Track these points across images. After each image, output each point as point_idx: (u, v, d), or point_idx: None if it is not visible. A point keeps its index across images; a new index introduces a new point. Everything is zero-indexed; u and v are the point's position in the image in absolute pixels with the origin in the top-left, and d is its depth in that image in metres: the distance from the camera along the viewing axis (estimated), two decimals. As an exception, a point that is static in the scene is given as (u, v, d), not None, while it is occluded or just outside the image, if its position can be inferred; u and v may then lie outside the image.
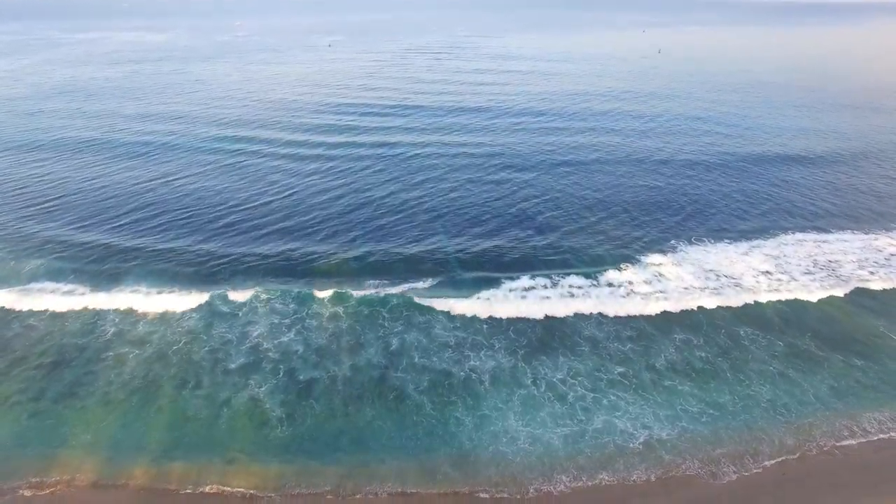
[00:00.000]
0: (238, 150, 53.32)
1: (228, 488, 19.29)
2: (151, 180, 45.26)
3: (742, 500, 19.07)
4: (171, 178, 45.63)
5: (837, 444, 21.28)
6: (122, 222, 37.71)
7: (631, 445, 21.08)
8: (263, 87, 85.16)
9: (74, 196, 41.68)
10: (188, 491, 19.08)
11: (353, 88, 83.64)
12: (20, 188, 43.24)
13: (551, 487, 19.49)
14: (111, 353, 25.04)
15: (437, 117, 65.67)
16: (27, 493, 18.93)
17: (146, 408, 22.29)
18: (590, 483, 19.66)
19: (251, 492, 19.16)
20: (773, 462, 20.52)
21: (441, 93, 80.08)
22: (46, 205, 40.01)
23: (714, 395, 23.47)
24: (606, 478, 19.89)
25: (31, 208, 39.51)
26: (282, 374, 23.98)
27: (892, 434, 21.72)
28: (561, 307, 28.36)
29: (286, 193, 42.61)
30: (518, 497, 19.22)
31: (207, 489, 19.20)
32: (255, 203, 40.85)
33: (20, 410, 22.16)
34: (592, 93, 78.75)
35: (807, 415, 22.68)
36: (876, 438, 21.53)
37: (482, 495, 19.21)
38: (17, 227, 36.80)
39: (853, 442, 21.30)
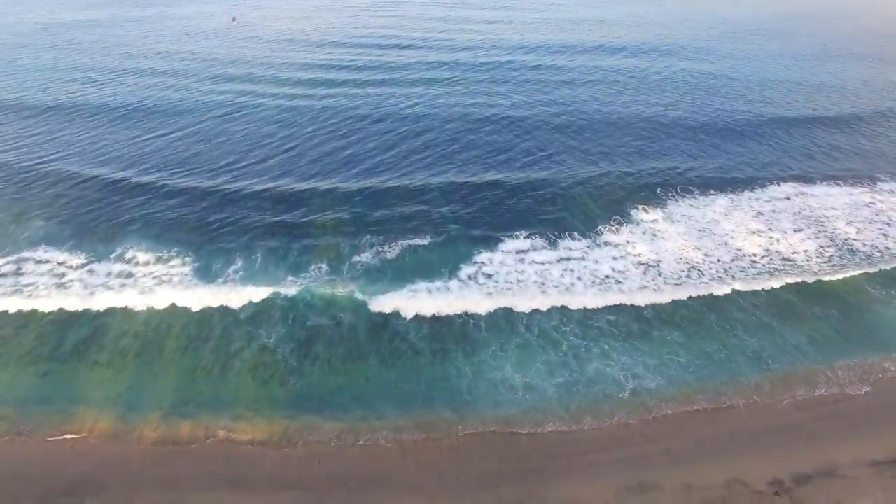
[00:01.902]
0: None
1: (236, 440, 20.59)
2: (148, 132, 44.82)
3: (718, 445, 20.31)
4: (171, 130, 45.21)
5: (812, 393, 22.47)
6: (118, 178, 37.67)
7: (619, 392, 22.51)
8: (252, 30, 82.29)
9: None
10: (197, 445, 20.37)
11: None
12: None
13: (542, 429, 21.01)
14: (116, 316, 25.96)
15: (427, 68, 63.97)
16: (48, 446, 20.19)
17: (154, 366, 23.47)
18: (575, 427, 21.09)
19: (258, 443, 20.46)
20: (750, 409, 21.82)
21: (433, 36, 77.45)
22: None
23: (700, 345, 24.76)
24: (591, 422, 21.32)
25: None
26: (284, 332, 24.93)
27: (864, 385, 22.85)
28: (556, 271, 28.92)
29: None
30: (508, 435, 20.68)
31: (216, 442, 20.50)
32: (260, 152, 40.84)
33: (35, 370, 23.28)
34: (592, 44, 76.28)
35: (786, 364, 23.83)
36: (848, 389, 22.68)
37: (471, 431, 20.81)
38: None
39: (825, 392, 22.47)
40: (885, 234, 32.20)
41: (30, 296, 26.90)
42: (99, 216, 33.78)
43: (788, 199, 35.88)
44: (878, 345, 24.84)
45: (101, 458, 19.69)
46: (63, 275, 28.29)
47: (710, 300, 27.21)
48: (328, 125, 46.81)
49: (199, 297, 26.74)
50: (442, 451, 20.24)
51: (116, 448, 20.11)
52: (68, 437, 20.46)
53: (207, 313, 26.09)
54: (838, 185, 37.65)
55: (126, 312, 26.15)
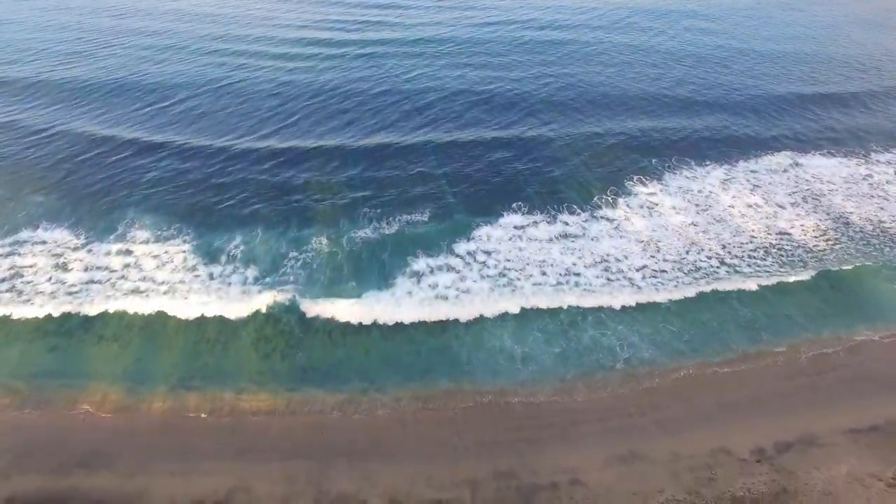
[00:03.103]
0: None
1: (241, 411, 21.36)
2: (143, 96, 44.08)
3: (705, 415, 21.19)
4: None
5: (797, 364, 23.32)
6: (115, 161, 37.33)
7: (613, 362, 23.38)
8: None
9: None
10: (204, 416, 21.14)
11: None
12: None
13: (537, 399, 21.82)
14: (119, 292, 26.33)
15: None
16: (60, 419, 20.92)
17: (159, 340, 24.03)
18: (569, 397, 21.94)
19: (262, 414, 21.24)
20: (737, 379, 22.66)
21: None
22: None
23: (694, 314, 25.55)
24: (585, 392, 22.17)
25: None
26: (284, 307, 25.40)
27: (848, 357, 23.69)
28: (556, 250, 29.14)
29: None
30: (504, 405, 21.54)
31: (222, 413, 21.27)
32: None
33: (42, 345, 23.82)
34: (594, 11, 73.95)
35: (775, 335, 24.58)
36: (832, 360, 23.52)
37: (468, 402, 21.62)
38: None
39: (809, 363, 23.31)
40: (882, 209, 32.49)
41: (31, 280, 26.97)
42: (97, 187, 33.68)
43: (784, 171, 35.92)
44: (865, 317, 25.51)
45: (111, 431, 20.45)
46: (61, 254, 28.33)
47: (708, 273, 27.68)
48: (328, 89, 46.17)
49: (201, 277, 26.99)
50: (440, 421, 21.06)
51: (126, 420, 20.85)
52: (78, 410, 21.15)
53: (208, 285, 26.48)
54: (833, 155, 37.68)
55: (130, 290, 26.51)
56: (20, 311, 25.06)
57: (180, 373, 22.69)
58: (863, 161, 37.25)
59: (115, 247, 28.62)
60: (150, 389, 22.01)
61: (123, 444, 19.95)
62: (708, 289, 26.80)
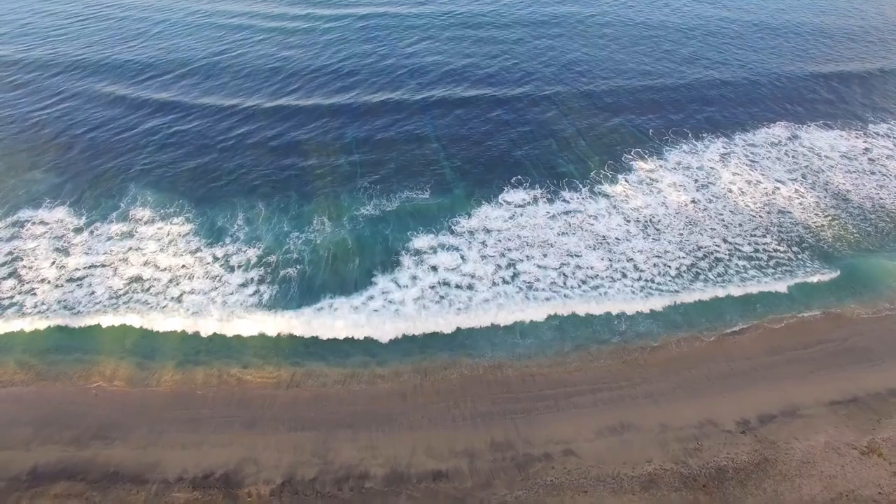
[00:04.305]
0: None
1: (247, 385, 22.18)
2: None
3: (694, 388, 22.06)
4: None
5: (785, 338, 24.11)
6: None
7: (609, 336, 24.27)
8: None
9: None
10: (211, 390, 21.97)
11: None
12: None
13: (531, 372, 22.72)
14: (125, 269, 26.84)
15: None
16: (74, 394, 21.77)
17: (166, 316, 24.68)
18: (563, 369, 22.86)
19: (268, 387, 22.08)
20: (726, 353, 23.50)
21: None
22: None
23: (690, 289, 26.19)
24: (578, 364, 23.08)
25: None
26: (283, 285, 25.96)
27: (835, 330, 24.52)
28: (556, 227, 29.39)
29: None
30: (500, 378, 22.46)
31: (229, 387, 22.10)
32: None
33: (52, 322, 24.43)
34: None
35: (768, 309, 25.31)
36: (819, 334, 24.29)
37: (466, 374, 22.61)
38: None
39: (797, 337, 24.09)
40: (881, 186, 32.67)
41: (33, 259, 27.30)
42: (98, 160, 33.87)
43: (782, 143, 35.99)
44: (856, 292, 26.14)
45: (123, 404, 21.31)
46: (63, 236, 28.58)
47: (708, 251, 28.11)
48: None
49: (202, 258, 27.38)
50: (438, 394, 21.92)
51: (137, 394, 21.70)
52: (90, 385, 21.96)
53: (210, 267, 26.93)
54: (831, 128, 37.67)
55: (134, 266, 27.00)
56: (27, 289, 25.63)
57: (186, 349, 23.40)
58: (861, 134, 37.21)
59: (116, 227, 29.00)
60: (158, 365, 22.80)
61: (136, 417, 20.84)
62: (705, 264, 27.32)
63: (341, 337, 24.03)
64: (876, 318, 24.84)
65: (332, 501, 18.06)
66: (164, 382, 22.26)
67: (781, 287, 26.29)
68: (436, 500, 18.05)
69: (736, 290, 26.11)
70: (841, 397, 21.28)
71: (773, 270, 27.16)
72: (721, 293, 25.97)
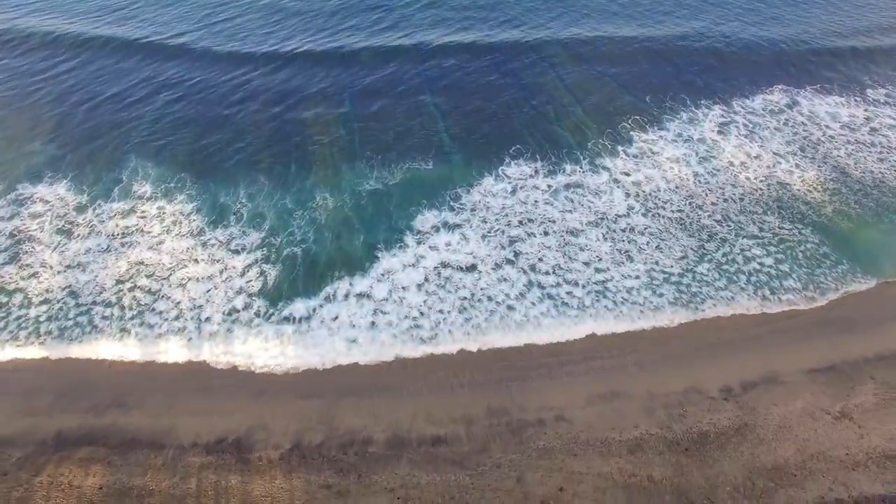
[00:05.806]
0: None
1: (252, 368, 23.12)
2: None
3: (682, 357, 23.09)
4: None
5: (772, 309, 24.94)
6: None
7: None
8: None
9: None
10: (220, 369, 22.97)
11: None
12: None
13: (527, 342, 23.65)
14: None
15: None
16: (88, 367, 22.81)
17: (172, 291, 25.51)
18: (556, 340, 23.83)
19: (271, 367, 23.07)
20: (714, 324, 24.38)
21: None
22: None
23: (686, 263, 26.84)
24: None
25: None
26: (285, 265, 26.62)
27: (820, 301, 25.30)
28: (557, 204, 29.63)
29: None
30: (496, 349, 23.43)
31: (235, 369, 23.03)
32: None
33: (61, 306, 25.12)
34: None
35: (758, 281, 25.96)
36: (803, 305, 25.14)
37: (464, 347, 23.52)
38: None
39: (783, 308, 24.95)
40: (881, 160, 32.73)
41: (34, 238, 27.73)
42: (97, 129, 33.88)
43: (782, 111, 35.91)
44: (845, 264, 26.67)
45: (136, 376, 22.33)
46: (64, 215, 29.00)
47: (708, 229, 28.52)
48: None
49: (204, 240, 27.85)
50: (438, 364, 22.93)
51: (149, 367, 22.71)
52: (102, 358, 22.96)
53: (211, 245, 27.54)
54: (829, 93, 37.57)
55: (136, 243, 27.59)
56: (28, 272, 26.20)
57: (193, 326, 24.20)
58: (860, 100, 37.06)
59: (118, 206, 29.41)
60: (167, 340, 23.68)
61: (149, 387, 21.91)
62: (705, 234, 27.96)
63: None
64: (865, 292, 25.54)
65: (337, 465, 19.31)
66: (174, 356, 23.19)
67: (770, 261, 26.80)
68: (435, 464, 19.30)
69: (728, 266, 26.64)
70: (819, 365, 22.31)
71: (768, 246, 27.51)
72: (713, 267, 26.57)
